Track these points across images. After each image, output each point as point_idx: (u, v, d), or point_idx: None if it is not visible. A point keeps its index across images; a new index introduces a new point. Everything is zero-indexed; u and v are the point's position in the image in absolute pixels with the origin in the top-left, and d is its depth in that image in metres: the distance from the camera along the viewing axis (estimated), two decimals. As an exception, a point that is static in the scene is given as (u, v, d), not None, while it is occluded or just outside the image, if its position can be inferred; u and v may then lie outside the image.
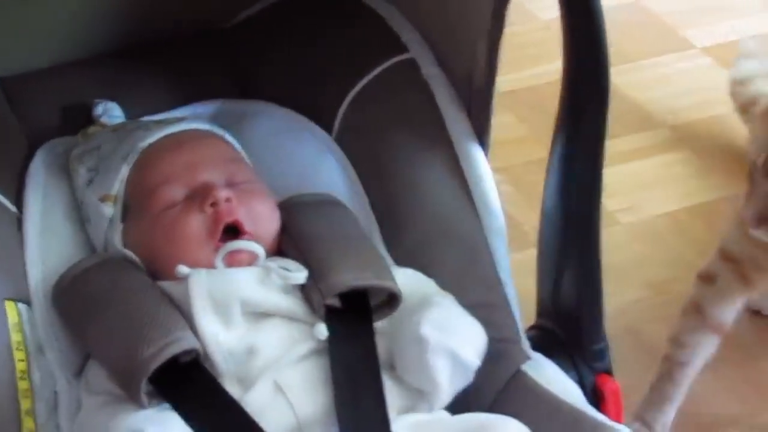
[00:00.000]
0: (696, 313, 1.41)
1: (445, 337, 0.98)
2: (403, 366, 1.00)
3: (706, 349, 1.41)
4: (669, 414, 1.43)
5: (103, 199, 1.11)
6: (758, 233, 1.23)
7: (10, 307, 1.02)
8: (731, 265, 1.38)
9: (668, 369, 1.42)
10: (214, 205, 1.05)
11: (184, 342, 0.96)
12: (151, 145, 1.13)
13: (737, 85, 1.86)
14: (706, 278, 1.40)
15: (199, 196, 1.06)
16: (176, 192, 1.08)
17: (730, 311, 1.39)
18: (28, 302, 1.05)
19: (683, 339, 1.42)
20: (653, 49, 2.15)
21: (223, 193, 1.05)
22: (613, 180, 1.77)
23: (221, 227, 1.05)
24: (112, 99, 1.24)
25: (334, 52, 1.25)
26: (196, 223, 1.06)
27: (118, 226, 1.10)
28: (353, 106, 1.23)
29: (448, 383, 0.98)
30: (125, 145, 1.13)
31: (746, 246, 1.35)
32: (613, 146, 1.81)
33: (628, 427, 1.27)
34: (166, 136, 1.15)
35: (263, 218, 1.09)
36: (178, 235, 1.06)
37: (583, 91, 1.03)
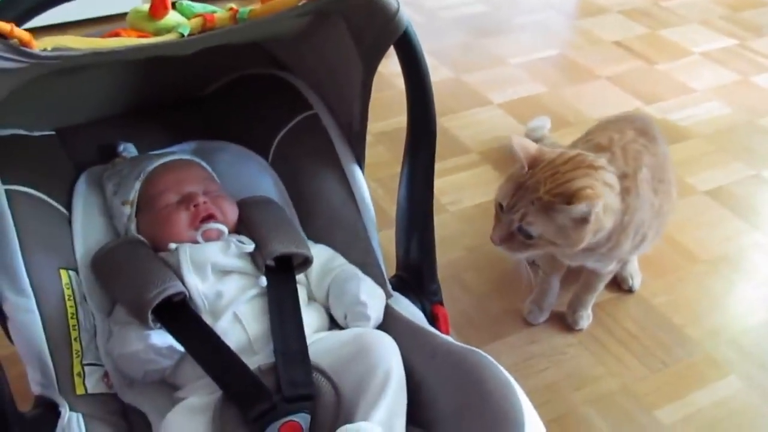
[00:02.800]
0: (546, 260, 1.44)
1: (373, 301, 1.02)
2: (350, 314, 1.02)
3: (558, 269, 1.45)
4: (550, 298, 1.46)
5: (124, 203, 1.10)
6: (500, 249, 1.21)
7: (63, 273, 1.00)
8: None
9: (543, 277, 1.45)
10: (196, 206, 1.06)
11: (175, 288, 0.96)
12: (154, 169, 1.12)
13: (529, 132, 1.90)
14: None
15: (186, 200, 1.07)
16: (171, 197, 1.08)
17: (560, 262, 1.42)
18: (75, 270, 1.03)
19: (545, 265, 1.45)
20: (468, 105, 2.15)
21: (201, 199, 1.07)
22: (445, 185, 1.81)
23: (200, 218, 1.05)
24: (129, 141, 1.21)
25: (267, 109, 1.24)
26: (184, 216, 1.06)
27: (133, 220, 1.09)
28: (280, 143, 1.21)
29: (372, 324, 1.01)
30: (137, 169, 1.12)
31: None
32: (444, 164, 1.87)
33: (526, 308, 1.46)
34: (163, 164, 1.14)
35: (227, 212, 1.09)
36: (172, 223, 1.06)
37: (420, 133, 1.05)
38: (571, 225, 1.13)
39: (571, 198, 1.11)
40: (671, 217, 1.39)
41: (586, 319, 1.45)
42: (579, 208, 1.11)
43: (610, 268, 1.37)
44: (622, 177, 1.21)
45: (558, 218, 1.13)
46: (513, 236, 1.18)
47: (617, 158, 1.24)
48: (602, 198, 1.13)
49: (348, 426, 0.83)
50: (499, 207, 1.20)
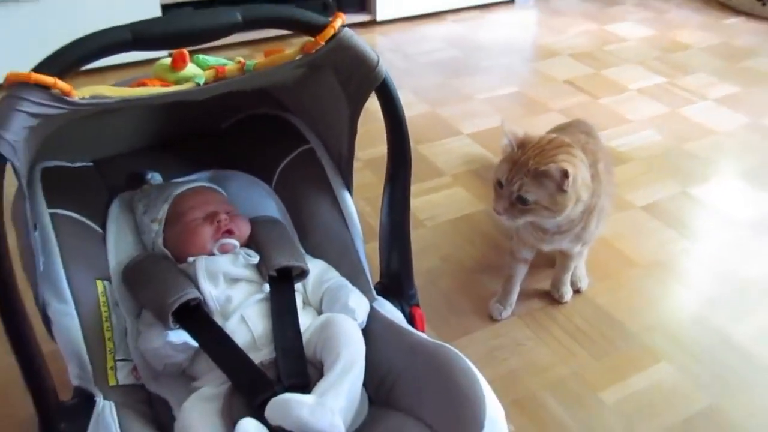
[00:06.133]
0: (512, 255, 1.45)
1: (359, 308, 1.02)
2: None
3: (521, 269, 1.46)
4: (512, 298, 1.47)
5: (153, 221, 1.10)
6: (502, 219, 1.26)
7: (99, 283, 1.00)
8: (515, 237, 1.43)
9: (507, 279, 1.46)
10: (218, 222, 1.06)
11: (192, 294, 0.97)
12: (181, 193, 1.13)
13: (504, 148, 1.87)
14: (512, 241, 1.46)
15: (211, 216, 1.08)
16: (198, 214, 1.09)
17: (526, 253, 1.44)
18: (108, 280, 1.03)
19: (511, 266, 1.46)
20: (442, 134, 2.16)
21: (224, 216, 1.07)
22: (422, 203, 1.82)
23: (221, 231, 1.06)
24: (155, 170, 1.21)
25: (271, 143, 1.24)
26: (209, 229, 1.07)
27: (160, 235, 1.09)
28: (282, 172, 1.21)
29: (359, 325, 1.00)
30: (165, 194, 1.13)
31: (515, 230, 1.41)
32: (422, 186, 1.88)
33: (492, 306, 1.47)
34: (188, 188, 1.14)
35: (242, 229, 1.10)
36: (198, 235, 1.06)
37: (398, 159, 1.05)
38: (557, 190, 1.18)
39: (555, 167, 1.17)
40: (613, 228, 1.41)
41: (567, 294, 1.50)
42: (556, 176, 1.17)
43: (577, 249, 1.41)
44: (590, 167, 1.26)
45: (546, 184, 1.18)
46: (513, 205, 1.22)
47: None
48: (577, 172, 1.19)
49: (275, 399, 0.84)
50: (498, 184, 1.25)
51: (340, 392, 0.87)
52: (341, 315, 0.99)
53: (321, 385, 0.87)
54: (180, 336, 0.94)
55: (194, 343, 0.94)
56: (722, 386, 1.32)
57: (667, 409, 1.27)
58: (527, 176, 1.19)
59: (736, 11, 3.18)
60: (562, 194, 1.19)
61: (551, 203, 1.20)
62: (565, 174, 1.16)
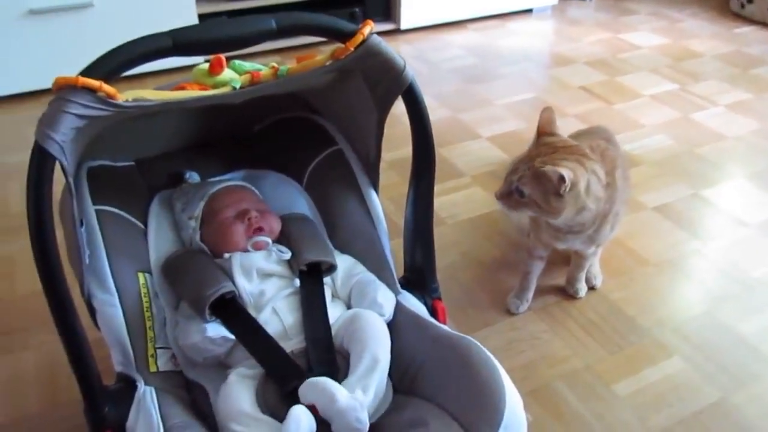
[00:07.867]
0: (529, 253, 1.43)
1: (387, 302, 1.01)
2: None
3: (537, 265, 1.43)
4: (529, 293, 1.45)
5: (190, 218, 1.10)
6: (498, 204, 1.24)
7: (140, 275, 1.00)
8: (532, 235, 1.40)
9: (524, 275, 1.44)
10: (249, 219, 1.05)
11: (228, 287, 0.96)
12: (216, 191, 1.12)
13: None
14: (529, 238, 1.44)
15: (242, 214, 1.06)
16: (230, 212, 1.08)
17: (542, 251, 1.41)
18: (149, 272, 1.03)
19: (527, 263, 1.44)
20: (462, 138, 2.14)
21: (254, 214, 1.06)
22: (444, 202, 1.80)
23: (252, 229, 1.05)
24: (193, 169, 1.21)
25: (301, 145, 1.23)
26: (241, 227, 1.05)
27: (197, 231, 1.08)
28: (312, 172, 1.21)
29: (385, 320, 0.98)
30: (201, 192, 1.12)
31: (532, 228, 1.39)
32: (444, 186, 1.86)
33: (510, 300, 1.44)
34: (223, 187, 1.14)
35: (273, 225, 1.08)
36: (231, 232, 1.05)
37: (422, 161, 1.03)
38: (552, 193, 1.15)
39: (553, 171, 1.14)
40: (626, 228, 1.38)
41: (582, 290, 1.48)
42: (552, 179, 1.13)
43: (591, 250, 1.38)
44: (606, 174, 1.23)
45: (544, 184, 1.15)
46: (511, 194, 1.20)
47: (600, 161, 1.26)
48: (578, 181, 1.15)
49: (312, 379, 0.85)
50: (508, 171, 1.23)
51: (368, 388, 0.86)
52: (368, 311, 0.98)
53: (350, 380, 0.86)
54: (217, 330, 0.94)
55: (232, 337, 0.94)
56: (731, 381, 1.29)
57: (679, 402, 1.24)
58: (529, 171, 1.17)
59: (749, 20, 3.12)
60: (557, 198, 1.15)
61: (544, 203, 1.17)
62: (561, 179, 1.12)
